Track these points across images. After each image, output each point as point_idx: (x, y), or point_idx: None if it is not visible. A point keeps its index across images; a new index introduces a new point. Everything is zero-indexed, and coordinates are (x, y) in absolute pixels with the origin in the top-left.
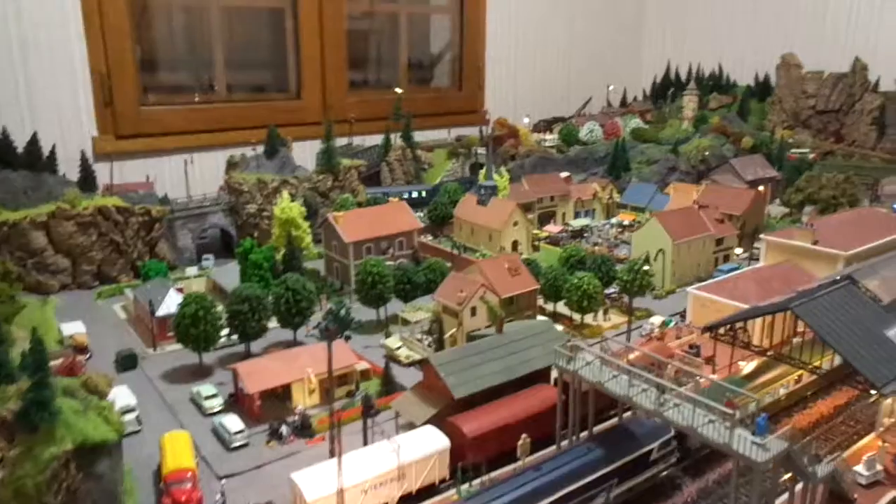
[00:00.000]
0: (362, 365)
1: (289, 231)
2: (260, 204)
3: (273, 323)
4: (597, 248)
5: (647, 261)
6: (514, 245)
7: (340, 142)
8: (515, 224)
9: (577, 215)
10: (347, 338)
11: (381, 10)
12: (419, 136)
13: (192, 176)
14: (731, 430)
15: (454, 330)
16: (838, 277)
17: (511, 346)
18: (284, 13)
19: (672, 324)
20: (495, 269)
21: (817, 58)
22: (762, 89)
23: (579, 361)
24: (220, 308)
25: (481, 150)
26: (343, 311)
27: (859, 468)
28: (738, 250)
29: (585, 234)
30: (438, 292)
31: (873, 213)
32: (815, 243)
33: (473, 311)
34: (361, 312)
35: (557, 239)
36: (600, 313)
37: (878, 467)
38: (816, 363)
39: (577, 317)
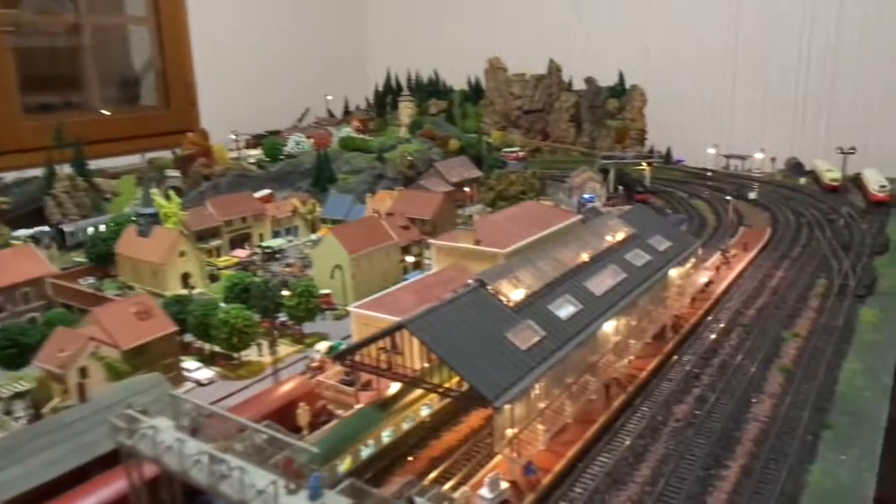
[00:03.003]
0: None
1: None
2: None
3: None
4: (289, 268)
5: (285, 284)
6: (185, 278)
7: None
8: (182, 255)
9: (276, 235)
10: None
11: (55, 21)
12: (109, 162)
13: None
14: (278, 499)
15: (57, 400)
16: (470, 282)
17: (91, 419)
18: None
19: (342, 348)
20: (118, 315)
21: (520, 61)
22: (475, 93)
23: (137, 435)
24: None
25: (174, 174)
26: None
27: (483, 492)
28: (410, 258)
29: (278, 256)
30: (39, 355)
31: (536, 206)
32: (477, 243)
33: (84, 372)
34: None
35: (248, 264)
36: (265, 347)
37: (503, 486)
38: (456, 381)
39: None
